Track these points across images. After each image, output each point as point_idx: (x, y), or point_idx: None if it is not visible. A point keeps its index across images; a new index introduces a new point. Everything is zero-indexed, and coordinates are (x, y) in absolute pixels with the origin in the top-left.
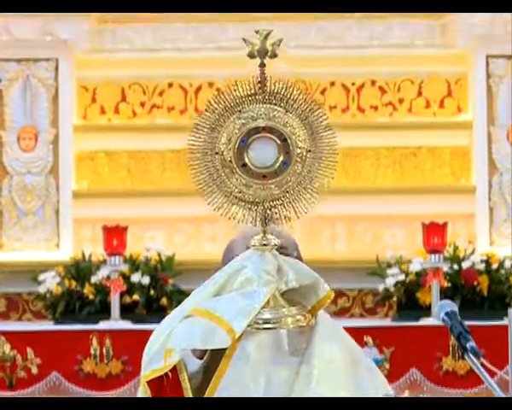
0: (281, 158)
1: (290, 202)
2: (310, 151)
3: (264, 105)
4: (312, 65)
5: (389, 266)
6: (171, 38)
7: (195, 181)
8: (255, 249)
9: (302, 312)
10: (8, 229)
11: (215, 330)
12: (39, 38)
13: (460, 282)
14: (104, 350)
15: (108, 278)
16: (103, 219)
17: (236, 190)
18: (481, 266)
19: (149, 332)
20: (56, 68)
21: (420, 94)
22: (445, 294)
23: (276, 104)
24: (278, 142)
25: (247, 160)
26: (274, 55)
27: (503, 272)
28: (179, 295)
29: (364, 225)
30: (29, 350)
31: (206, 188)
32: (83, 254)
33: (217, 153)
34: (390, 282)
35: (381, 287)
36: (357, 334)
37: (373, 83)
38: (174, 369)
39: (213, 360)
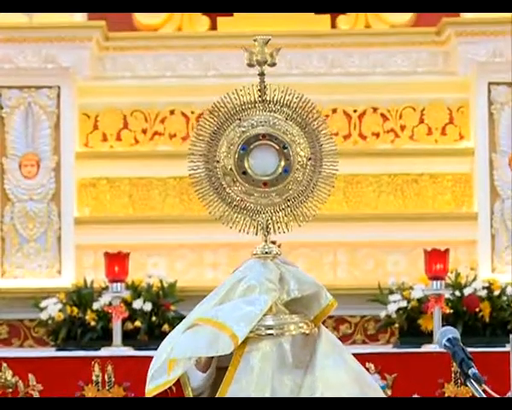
0: (281, 165)
1: (291, 211)
2: (310, 159)
3: (264, 113)
4: (314, 92)
5: (391, 292)
6: (173, 66)
7: (197, 190)
8: (257, 258)
9: (305, 320)
10: (10, 256)
11: (219, 337)
12: (41, 65)
13: (462, 308)
14: (106, 377)
15: (110, 304)
16: (105, 245)
17: (238, 199)
18: (483, 293)
19: (151, 359)
20: (58, 96)
21: (422, 121)
22: (446, 320)
23: (275, 112)
24: (279, 149)
25: (247, 167)
26: (273, 64)
27: (504, 298)
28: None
29: (366, 251)
30: (31, 377)
31: (207, 197)
32: (84, 281)
33: (217, 161)
34: (392, 308)
35: (382, 313)
36: (359, 360)
37: (375, 110)
38: (178, 383)
39: (218, 375)
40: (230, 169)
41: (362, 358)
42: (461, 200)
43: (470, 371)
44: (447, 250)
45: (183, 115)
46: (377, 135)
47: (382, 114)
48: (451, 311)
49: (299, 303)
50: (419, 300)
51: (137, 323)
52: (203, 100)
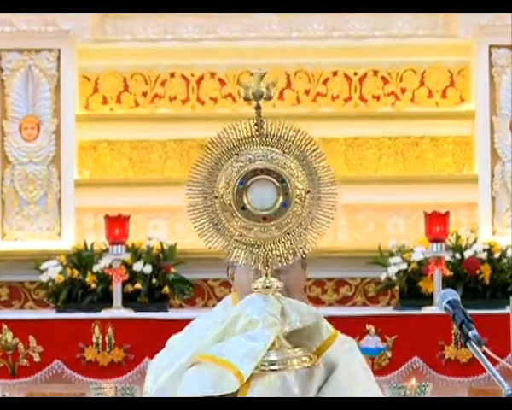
0: (280, 200)
1: (291, 244)
2: (309, 192)
3: (262, 147)
4: (315, 55)
5: (391, 255)
6: (173, 29)
7: (195, 226)
8: (258, 292)
9: (307, 353)
10: (11, 218)
11: (223, 375)
12: (41, 28)
13: (462, 271)
14: (106, 338)
15: (110, 266)
16: (105, 208)
17: (237, 234)
18: (483, 255)
19: (151, 321)
20: (58, 59)
21: (422, 84)
22: (447, 283)
23: (273, 146)
24: (277, 183)
25: (246, 202)
26: (269, 98)
27: (505, 260)
28: (181, 284)
29: (367, 214)
30: (31, 338)
31: (206, 232)
32: (85, 244)
33: (216, 197)
34: (392, 271)
35: (383, 276)
36: (359, 322)
37: (375, 73)
38: None
39: None
40: (229, 204)
41: (362, 320)
42: (461, 162)
43: (470, 333)
44: (447, 213)
45: (183, 78)
46: (378, 98)
47: (383, 77)
48: (452, 273)
49: (300, 335)
50: (419, 262)
51: (137, 285)
52: (203, 63)
